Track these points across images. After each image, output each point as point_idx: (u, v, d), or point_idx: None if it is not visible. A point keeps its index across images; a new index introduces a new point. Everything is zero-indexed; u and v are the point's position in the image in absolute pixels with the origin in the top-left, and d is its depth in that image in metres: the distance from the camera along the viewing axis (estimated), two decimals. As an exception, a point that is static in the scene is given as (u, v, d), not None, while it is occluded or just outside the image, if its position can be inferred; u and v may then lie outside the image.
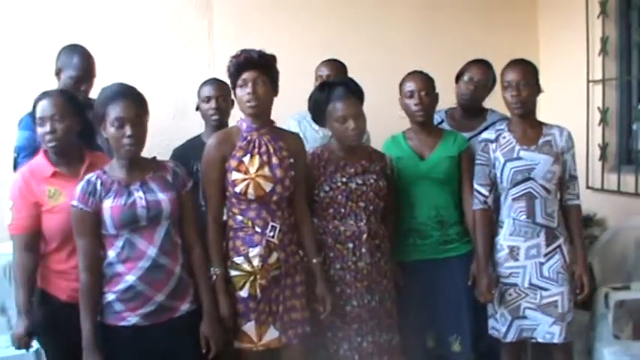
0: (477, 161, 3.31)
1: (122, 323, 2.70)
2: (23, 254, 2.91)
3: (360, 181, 3.19)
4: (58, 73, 3.52)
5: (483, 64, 3.71)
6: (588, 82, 4.57)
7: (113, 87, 2.76)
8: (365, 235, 3.17)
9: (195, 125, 4.08)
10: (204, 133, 3.70)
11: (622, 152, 4.52)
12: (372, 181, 3.21)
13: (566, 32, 4.80)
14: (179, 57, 4.48)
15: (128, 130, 2.67)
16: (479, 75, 3.66)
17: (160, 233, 2.72)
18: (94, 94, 3.52)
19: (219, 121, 3.62)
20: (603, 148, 4.49)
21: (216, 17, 4.57)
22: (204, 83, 3.70)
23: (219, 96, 3.61)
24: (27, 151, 3.30)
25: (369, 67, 4.35)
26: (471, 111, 3.69)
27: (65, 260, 2.92)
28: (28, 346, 2.95)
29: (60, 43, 3.77)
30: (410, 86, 3.36)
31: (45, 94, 2.92)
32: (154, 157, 2.88)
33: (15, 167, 3.34)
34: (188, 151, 3.57)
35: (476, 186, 3.29)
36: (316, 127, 3.68)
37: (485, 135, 3.33)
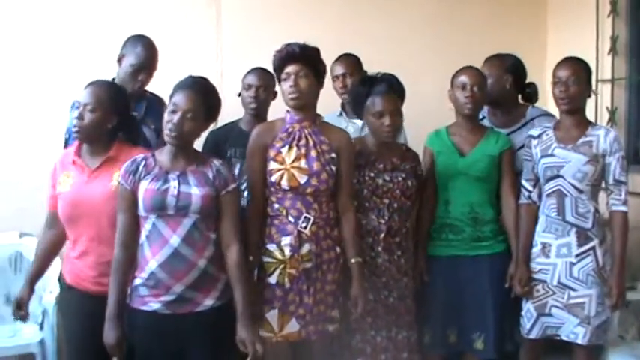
0: (523, 156, 3.37)
1: (144, 307, 2.75)
2: (44, 229, 3.08)
3: (387, 178, 3.22)
4: (120, 59, 3.56)
5: (488, 61, 3.70)
6: (597, 81, 4.54)
7: (191, 77, 2.84)
8: (383, 234, 3.19)
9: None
10: (241, 120, 3.72)
11: (630, 152, 4.49)
12: (400, 179, 3.24)
13: (576, 30, 4.77)
14: (186, 49, 4.44)
15: (175, 118, 2.71)
16: (483, 71, 3.64)
17: (185, 225, 2.72)
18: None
19: (256, 109, 3.64)
20: (611, 147, 4.48)
21: (224, 8, 4.54)
22: (249, 71, 3.71)
23: (260, 86, 3.63)
24: None
25: (378, 63, 4.32)
26: (505, 107, 3.68)
27: (71, 247, 2.98)
28: (22, 316, 3.11)
29: (75, 35, 3.78)
30: (463, 79, 3.38)
31: (92, 82, 2.98)
32: (204, 153, 2.95)
33: (65, 147, 3.41)
34: (223, 135, 3.61)
35: (522, 181, 3.35)
36: (344, 123, 3.70)
37: (531, 132, 3.37)
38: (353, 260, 3.06)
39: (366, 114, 3.22)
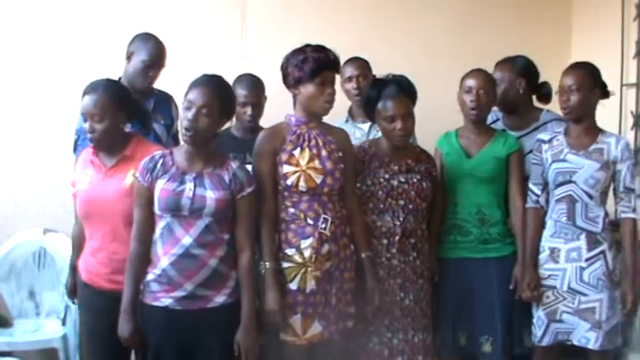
0: (532, 160, 3.35)
1: (156, 303, 2.77)
2: (76, 221, 3.13)
3: (402, 179, 3.22)
4: (129, 56, 3.60)
5: (499, 65, 3.68)
6: (622, 85, 4.51)
7: (205, 75, 2.84)
8: (398, 236, 3.19)
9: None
10: (234, 127, 3.72)
11: (654, 157, 4.46)
12: (414, 180, 3.23)
13: (601, 34, 4.73)
14: (211, 50, 4.47)
15: (190, 115, 2.72)
16: (494, 76, 3.61)
17: (199, 226, 2.75)
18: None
19: (253, 124, 3.66)
20: (636, 152, 4.42)
21: (250, 8, 4.56)
22: (240, 85, 3.66)
23: (255, 103, 3.65)
24: (85, 134, 3.36)
25: (402, 65, 4.31)
26: (520, 110, 3.65)
27: (87, 242, 3.02)
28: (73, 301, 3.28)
29: (97, 34, 3.82)
30: (469, 83, 3.39)
31: (91, 88, 2.94)
32: (222, 154, 2.93)
33: (75, 149, 3.49)
34: (218, 145, 3.55)
35: (530, 185, 3.34)
36: (351, 129, 3.77)
37: (541, 135, 3.37)
38: (364, 255, 3.11)
39: (378, 118, 3.23)
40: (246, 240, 2.84)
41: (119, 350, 2.84)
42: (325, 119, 3.13)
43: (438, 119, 3.91)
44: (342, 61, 3.94)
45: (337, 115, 3.81)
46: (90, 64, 4.14)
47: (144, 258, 2.80)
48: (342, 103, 3.91)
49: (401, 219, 3.21)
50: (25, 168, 4.20)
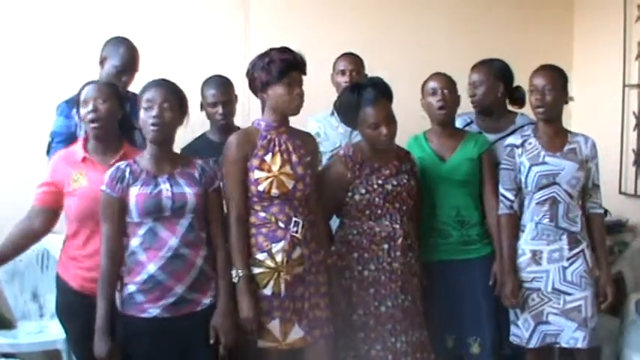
0: (502, 166, 3.32)
1: (143, 315, 2.73)
2: (24, 218, 3.03)
3: (395, 182, 3.20)
4: (102, 61, 3.58)
5: (477, 68, 3.66)
6: (624, 86, 4.52)
7: (153, 80, 2.84)
8: (401, 238, 3.18)
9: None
10: (209, 131, 3.69)
11: (656, 158, 4.47)
12: (405, 181, 3.23)
13: (603, 35, 4.75)
14: (214, 50, 4.48)
15: (153, 112, 2.73)
16: (473, 78, 3.63)
17: (182, 225, 2.75)
18: (133, 88, 3.57)
19: (226, 123, 3.61)
20: (637, 153, 4.44)
21: (253, 9, 4.57)
22: (208, 86, 3.63)
23: (225, 101, 3.59)
24: (61, 137, 3.41)
25: (404, 65, 4.34)
26: (495, 114, 3.63)
27: (81, 247, 2.98)
28: None
29: (95, 35, 3.82)
30: (433, 85, 3.37)
31: (90, 82, 3.03)
32: (184, 155, 2.96)
33: (48, 151, 3.45)
34: (196, 151, 3.48)
35: (502, 190, 3.30)
36: (335, 123, 3.71)
37: (511, 140, 3.34)
38: (330, 261, 3.12)
39: (361, 125, 3.17)
40: (219, 233, 2.87)
41: None
42: (310, 111, 3.10)
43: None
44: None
45: (322, 107, 3.85)
46: (95, 65, 4.15)
47: (116, 275, 2.76)
48: (327, 96, 3.90)
49: (399, 222, 3.20)
50: (26, 170, 4.17)
